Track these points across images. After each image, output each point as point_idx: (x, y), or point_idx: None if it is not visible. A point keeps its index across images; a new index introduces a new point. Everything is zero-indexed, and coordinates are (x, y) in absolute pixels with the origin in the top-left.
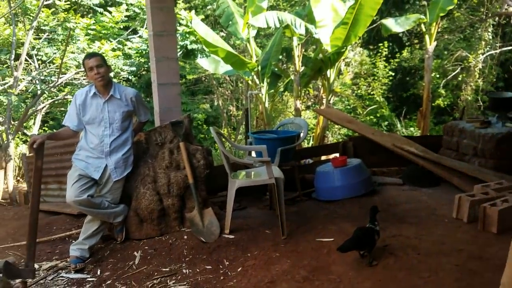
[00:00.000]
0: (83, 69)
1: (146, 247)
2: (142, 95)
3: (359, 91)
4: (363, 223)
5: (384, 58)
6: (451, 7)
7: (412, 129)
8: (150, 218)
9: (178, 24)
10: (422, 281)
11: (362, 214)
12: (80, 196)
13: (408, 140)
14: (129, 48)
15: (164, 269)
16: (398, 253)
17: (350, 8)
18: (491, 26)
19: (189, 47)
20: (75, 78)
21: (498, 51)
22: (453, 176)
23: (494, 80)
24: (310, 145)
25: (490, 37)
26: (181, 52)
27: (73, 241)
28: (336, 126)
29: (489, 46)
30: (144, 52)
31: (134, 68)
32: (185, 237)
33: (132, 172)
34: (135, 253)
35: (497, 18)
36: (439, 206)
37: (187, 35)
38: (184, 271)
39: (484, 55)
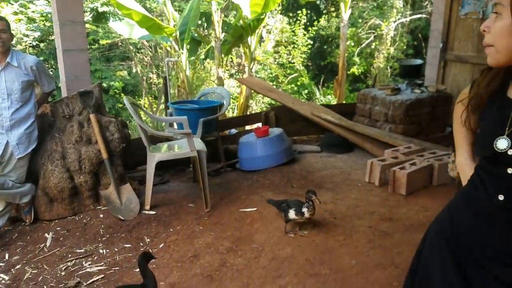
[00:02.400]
0: None
1: (58, 228)
2: (51, 63)
3: (280, 59)
4: (284, 191)
5: (303, 26)
6: None
7: (329, 97)
8: (60, 197)
9: None
10: (337, 244)
11: (283, 183)
12: None
13: (325, 109)
14: (33, 12)
15: (78, 250)
16: (316, 218)
17: None
18: None
19: (100, 9)
20: None
21: (408, 19)
22: (365, 142)
23: (405, 47)
24: (234, 114)
25: (401, 5)
26: (91, 15)
27: None
28: (259, 95)
29: (400, 14)
30: (49, 15)
31: (38, 33)
32: (101, 215)
33: (38, 148)
34: (46, 234)
35: None
36: (353, 171)
37: None
38: (100, 251)
39: (396, 23)
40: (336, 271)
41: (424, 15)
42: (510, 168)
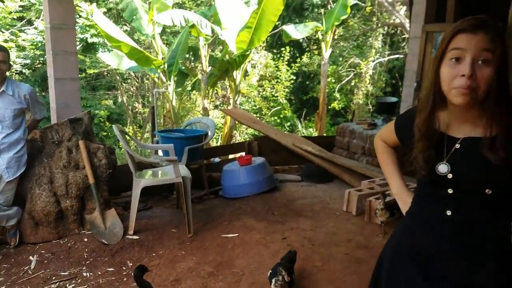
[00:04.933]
0: None
1: (43, 251)
2: (36, 90)
3: (264, 93)
4: (266, 218)
5: (287, 62)
6: (345, 17)
7: (311, 129)
8: (46, 220)
9: (78, 16)
10: (315, 270)
11: (264, 210)
12: None
13: (306, 140)
14: (23, 40)
15: (62, 273)
16: (295, 245)
17: (253, 13)
18: (381, 35)
19: (90, 40)
20: None
21: (386, 58)
22: (344, 173)
23: (383, 85)
24: (218, 144)
25: (380, 46)
26: (80, 45)
27: None
28: (243, 126)
29: (379, 54)
30: (39, 44)
31: (28, 61)
32: (85, 239)
33: (26, 172)
34: (31, 257)
35: (386, 28)
36: (332, 200)
37: (88, 28)
38: (84, 274)
39: (374, 62)
40: None
41: (401, 56)
42: (450, 189)
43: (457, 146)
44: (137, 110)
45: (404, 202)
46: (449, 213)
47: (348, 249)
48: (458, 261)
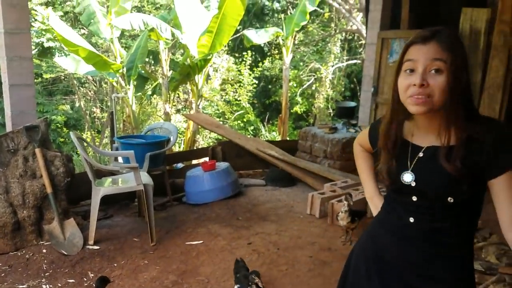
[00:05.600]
0: None
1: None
2: None
3: (227, 97)
4: (230, 223)
5: (249, 67)
6: (304, 23)
7: (274, 133)
8: (2, 232)
9: (33, 20)
10: (281, 274)
11: (229, 215)
12: None
13: (269, 144)
14: None
15: (21, 286)
16: (261, 250)
17: (214, 17)
18: (339, 41)
19: (46, 45)
20: None
21: (345, 63)
22: (307, 176)
23: (342, 89)
24: (181, 149)
25: (338, 51)
26: (36, 50)
27: None
28: (207, 130)
29: (338, 59)
30: None
31: None
32: (44, 250)
33: None
34: None
35: (344, 34)
36: (295, 204)
37: (43, 32)
38: (44, 286)
39: (334, 67)
40: None
41: (359, 61)
42: (415, 196)
43: (421, 155)
44: (95, 115)
45: (375, 207)
46: (411, 220)
47: (312, 252)
48: (415, 266)
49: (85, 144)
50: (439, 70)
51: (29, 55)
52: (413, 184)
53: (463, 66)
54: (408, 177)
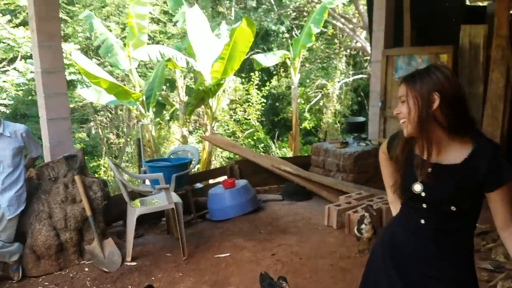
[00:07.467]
0: None
1: (46, 283)
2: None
3: (236, 116)
4: (253, 237)
5: (256, 86)
6: (310, 44)
7: (284, 149)
8: (47, 254)
9: None
10: (305, 281)
11: (251, 229)
12: None
13: (283, 161)
14: (4, 82)
15: None
16: (284, 260)
17: (226, 45)
18: (344, 57)
19: (68, 78)
20: None
21: (351, 78)
22: (321, 190)
23: (350, 103)
24: (195, 170)
25: (344, 67)
26: None
27: None
28: (219, 149)
29: (343, 75)
30: (22, 85)
31: (11, 102)
32: (86, 269)
33: (26, 209)
34: None
35: (348, 50)
36: (313, 216)
37: (66, 67)
38: None
39: (340, 83)
40: None
41: (365, 76)
42: (424, 204)
43: (429, 170)
44: (111, 141)
45: (395, 208)
46: (422, 221)
47: (333, 260)
48: (426, 260)
49: (119, 169)
50: (404, 101)
51: (64, 91)
52: (423, 194)
53: (425, 97)
54: (418, 187)
